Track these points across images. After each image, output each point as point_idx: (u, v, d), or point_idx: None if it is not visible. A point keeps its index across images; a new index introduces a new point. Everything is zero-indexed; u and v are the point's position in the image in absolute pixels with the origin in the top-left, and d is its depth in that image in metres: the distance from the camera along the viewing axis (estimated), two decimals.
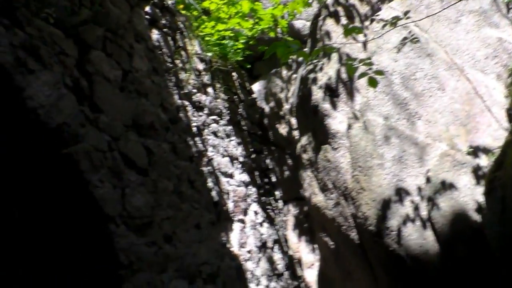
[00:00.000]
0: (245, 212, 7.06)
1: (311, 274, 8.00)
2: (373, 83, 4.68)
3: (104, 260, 3.98)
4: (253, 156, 8.22)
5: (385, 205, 5.74)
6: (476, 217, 5.27)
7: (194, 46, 7.10)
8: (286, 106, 9.01)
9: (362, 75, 4.81)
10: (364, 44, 6.58)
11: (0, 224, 3.96)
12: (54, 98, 3.77)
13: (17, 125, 3.65)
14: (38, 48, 3.73)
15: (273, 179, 8.75)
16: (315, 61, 6.95)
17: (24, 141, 3.70)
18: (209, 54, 7.72)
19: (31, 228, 4.02)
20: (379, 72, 4.75)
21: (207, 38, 8.01)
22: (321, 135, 6.65)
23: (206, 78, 7.21)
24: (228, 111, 7.66)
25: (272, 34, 9.17)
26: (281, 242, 8.02)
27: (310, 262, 8.12)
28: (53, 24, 3.93)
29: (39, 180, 3.86)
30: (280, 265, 7.62)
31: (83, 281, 4.03)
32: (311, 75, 6.97)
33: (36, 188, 3.88)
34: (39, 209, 3.97)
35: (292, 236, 8.42)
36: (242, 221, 6.88)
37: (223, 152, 6.93)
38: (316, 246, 7.89)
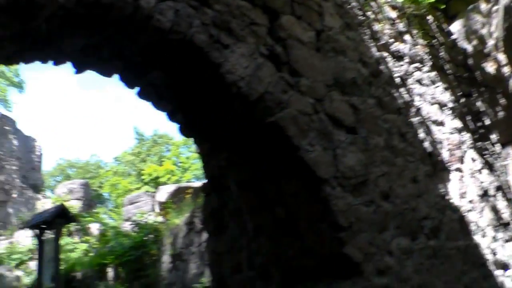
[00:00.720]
0: (461, 160, 6.61)
1: None
2: None
3: (324, 223, 3.96)
4: (462, 100, 7.66)
5: None
6: None
7: None
8: (491, 42, 8.24)
9: None
10: None
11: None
12: (252, 69, 3.80)
13: (221, 100, 3.75)
14: (229, 23, 3.78)
15: (487, 122, 8.09)
16: None
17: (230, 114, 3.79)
18: (400, 0, 7.31)
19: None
20: None
21: None
22: None
23: (401, 26, 6.83)
24: (430, 57, 7.20)
25: None
26: (504, 189, 7.40)
27: None
28: None
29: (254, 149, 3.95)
30: (506, 213, 7.03)
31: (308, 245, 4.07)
32: None
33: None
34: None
35: None
36: (459, 170, 6.44)
37: (430, 100, 6.53)
38: None
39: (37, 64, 3.92)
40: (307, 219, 4.02)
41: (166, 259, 14.22)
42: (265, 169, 4.08)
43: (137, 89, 4.09)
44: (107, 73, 3.96)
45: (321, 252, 4.03)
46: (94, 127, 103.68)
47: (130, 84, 4.04)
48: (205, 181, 5.62)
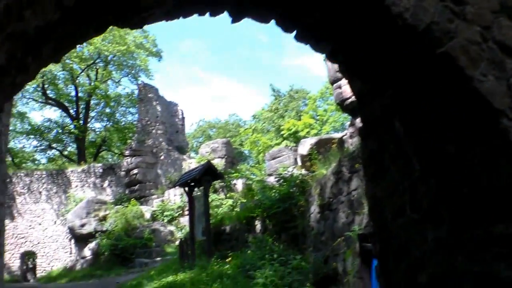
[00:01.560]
0: None
1: None
2: None
3: (502, 159, 3.71)
4: None
5: None
6: None
7: None
8: None
9: None
10: None
11: None
12: None
13: (386, 35, 3.60)
14: None
15: None
16: None
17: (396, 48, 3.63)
18: None
19: None
20: None
21: None
22: None
23: None
24: None
25: None
26: None
27: None
28: None
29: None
30: None
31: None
32: None
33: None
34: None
35: None
36: None
37: None
38: None
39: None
40: (482, 155, 3.79)
41: (314, 209, 14.37)
42: (435, 105, 3.89)
43: (294, 32, 4.06)
44: (264, 19, 3.97)
45: (498, 189, 3.80)
46: (231, 88, 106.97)
47: (287, 28, 4.02)
48: (361, 125, 5.52)
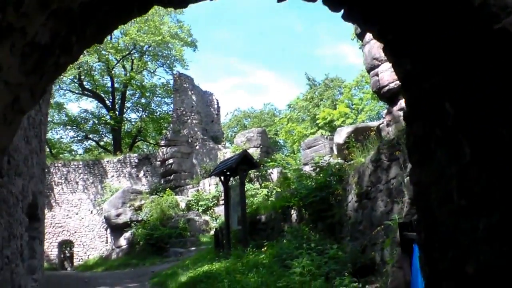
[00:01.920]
0: None
1: None
2: None
3: None
4: None
5: None
6: None
7: None
8: None
9: None
10: None
11: None
12: None
13: (440, 11, 3.45)
14: None
15: None
16: None
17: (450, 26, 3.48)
18: None
19: None
20: None
21: None
22: None
23: None
24: None
25: None
26: None
27: None
28: None
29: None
30: None
31: None
32: None
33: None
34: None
35: None
36: None
37: None
38: None
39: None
40: None
41: (351, 198, 14.21)
42: (490, 84, 3.72)
43: (341, 11, 3.93)
44: None
45: None
46: (265, 77, 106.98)
47: (334, 6, 3.90)
48: (404, 109, 5.37)
